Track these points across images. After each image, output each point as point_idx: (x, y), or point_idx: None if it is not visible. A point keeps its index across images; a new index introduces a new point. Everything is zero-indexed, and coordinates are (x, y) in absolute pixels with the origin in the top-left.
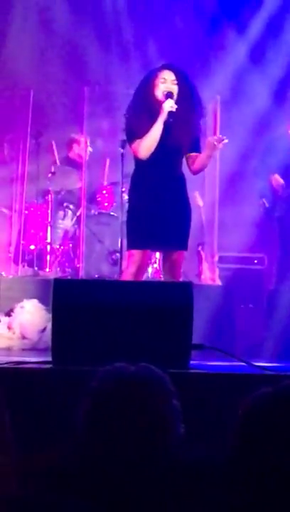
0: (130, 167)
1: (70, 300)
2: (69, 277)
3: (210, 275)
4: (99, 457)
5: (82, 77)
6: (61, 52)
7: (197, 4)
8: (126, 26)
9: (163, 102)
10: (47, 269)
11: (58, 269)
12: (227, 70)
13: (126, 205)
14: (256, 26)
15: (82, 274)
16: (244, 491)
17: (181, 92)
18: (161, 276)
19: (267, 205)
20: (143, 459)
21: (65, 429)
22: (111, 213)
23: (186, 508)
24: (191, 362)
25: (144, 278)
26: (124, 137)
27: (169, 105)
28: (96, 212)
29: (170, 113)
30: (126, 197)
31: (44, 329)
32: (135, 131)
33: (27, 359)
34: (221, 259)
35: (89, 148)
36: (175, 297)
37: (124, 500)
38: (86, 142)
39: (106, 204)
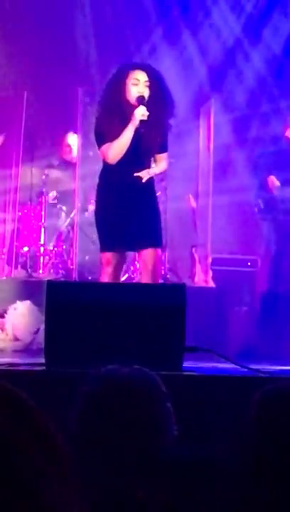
0: None
1: (63, 302)
2: (62, 279)
3: (203, 277)
4: (92, 459)
5: (76, 78)
6: (55, 53)
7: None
8: (121, 25)
9: (135, 105)
10: (41, 271)
11: (51, 270)
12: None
13: (96, 206)
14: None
15: (75, 276)
16: (266, 486)
17: (153, 94)
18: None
19: (262, 206)
20: (136, 461)
21: (58, 432)
22: None
23: (181, 509)
24: (184, 364)
25: (137, 280)
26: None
27: (141, 113)
28: (89, 214)
29: (141, 121)
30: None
31: (37, 331)
32: (104, 134)
33: (20, 361)
34: (214, 261)
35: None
36: (168, 299)
37: (119, 502)
38: (79, 144)
39: None
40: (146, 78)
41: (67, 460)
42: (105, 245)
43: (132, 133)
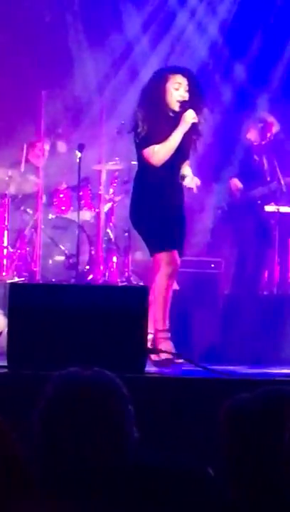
0: (86, 171)
1: (26, 304)
2: (25, 281)
3: None
4: (55, 461)
5: (40, 81)
6: (19, 56)
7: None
8: (84, 28)
9: (177, 109)
10: (4, 273)
11: (15, 273)
12: None
13: (135, 210)
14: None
15: (38, 278)
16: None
17: (192, 98)
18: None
19: (226, 208)
20: (98, 463)
21: (21, 434)
22: (68, 217)
23: (144, 509)
24: (147, 365)
25: (102, 282)
26: (82, 141)
27: (192, 117)
28: (53, 216)
29: (193, 125)
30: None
31: (0, 333)
32: (149, 137)
33: None
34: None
35: (46, 148)
36: (131, 301)
37: (82, 504)
38: (43, 146)
39: (63, 208)
40: (187, 82)
41: (27, 469)
42: (166, 244)
43: (181, 136)
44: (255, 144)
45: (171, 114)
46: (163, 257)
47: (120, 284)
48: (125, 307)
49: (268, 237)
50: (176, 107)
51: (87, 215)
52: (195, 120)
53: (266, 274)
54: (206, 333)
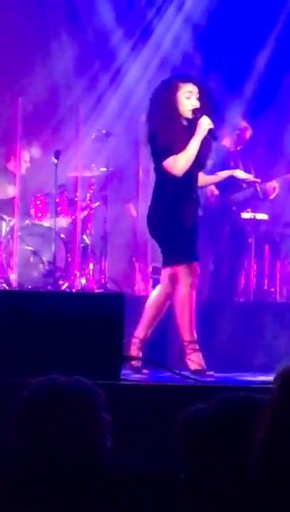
0: (62, 177)
1: (2, 311)
2: (1, 288)
3: (143, 286)
4: (30, 466)
5: (16, 87)
6: None
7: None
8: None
9: (190, 116)
10: None
11: None
12: None
13: (153, 221)
14: None
15: (15, 285)
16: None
17: (203, 106)
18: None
19: (201, 214)
20: (72, 469)
21: None
22: (45, 224)
23: None
24: (123, 373)
25: (78, 289)
26: (59, 147)
27: (208, 123)
28: (30, 223)
29: (210, 130)
30: (59, 208)
31: None
32: (168, 148)
33: None
34: (154, 270)
35: (26, 158)
36: (107, 308)
37: (56, 507)
38: (20, 152)
39: (40, 215)
40: (197, 90)
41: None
42: (187, 256)
43: (199, 143)
44: (231, 150)
45: (185, 122)
46: (183, 269)
47: (96, 291)
48: (101, 314)
49: (244, 244)
50: (189, 115)
51: (63, 221)
52: (211, 126)
53: (242, 281)
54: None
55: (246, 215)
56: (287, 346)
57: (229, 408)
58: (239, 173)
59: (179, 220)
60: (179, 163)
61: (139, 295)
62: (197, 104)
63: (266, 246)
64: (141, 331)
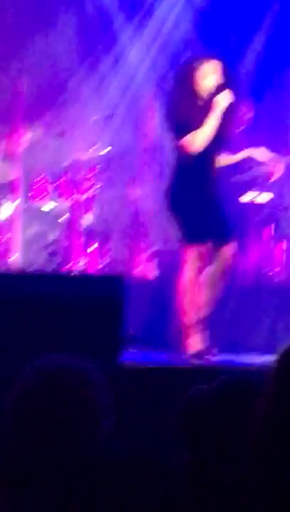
0: (65, 158)
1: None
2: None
3: (144, 269)
4: (28, 450)
5: (17, 67)
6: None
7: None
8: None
9: (211, 95)
10: None
11: None
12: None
13: (174, 200)
14: None
15: (17, 268)
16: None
17: (225, 85)
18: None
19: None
20: (70, 451)
21: None
22: (47, 206)
23: (116, 501)
24: (123, 356)
25: (79, 271)
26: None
27: (227, 98)
28: (31, 205)
29: (231, 104)
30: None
31: None
32: (186, 125)
33: None
34: (156, 253)
35: (27, 138)
36: (107, 290)
37: (54, 494)
38: (22, 133)
39: (41, 197)
40: (217, 69)
41: None
42: (198, 237)
43: (217, 120)
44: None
45: (203, 101)
46: (194, 250)
47: (97, 273)
48: (101, 296)
49: (245, 226)
50: (207, 93)
51: (65, 204)
52: (230, 101)
53: (244, 264)
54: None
55: (245, 197)
56: (286, 328)
57: (230, 389)
58: (258, 154)
59: (194, 200)
60: (197, 139)
61: (141, 277)
62: (215, 83)
63: (266, 228)
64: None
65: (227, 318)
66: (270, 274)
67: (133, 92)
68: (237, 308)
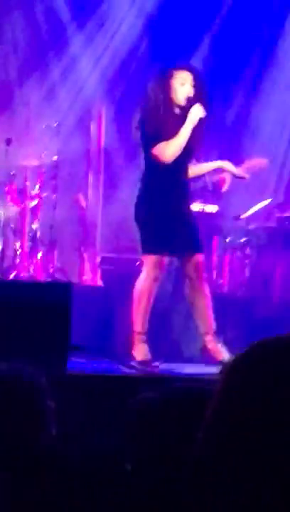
0: (12, 166)
1: None
2: None
3: (91, 276)
4: None
5: None
6: None
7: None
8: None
9: (184, 105)
10: None
11: None
12: None
13: (138, 208)
14: None
15: None
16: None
17: (198, 94)
18: (186, 282)
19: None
20: (15, 456)
21: None
22: None
23: (61, 506)
24: (69, 363)
25: (26, 278)
26: (9, 136)
27: (199, 111)
28: None
29: (201, 119)
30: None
31: None
32: (158, 134)
33: None
34: (103, 260)
35: None
36: (54, 298)
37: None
38: None
39: None
40: (192, 77)
41: None
42: (155, 247)
43: (190, 131)
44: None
45: (178, 110)
46: (151, 259)
47: (44, 281)
48: (48, 303)
49: None
50: (183, 102)
51: (13, 210)
52: (203, 115)
53: None
54: (129, 331)
55: (195, 207)
56: (234, 338)
57: (175, 398)
58: (228, 166)
59: (160, 209)
60: (168, 149)
61: (88, 285)
62: (191, 92)
63: (215, 238)
64: (206, 325)
65: (176, 327)
66: (220, 282)
67: (82, 100)
68: (182, 317)
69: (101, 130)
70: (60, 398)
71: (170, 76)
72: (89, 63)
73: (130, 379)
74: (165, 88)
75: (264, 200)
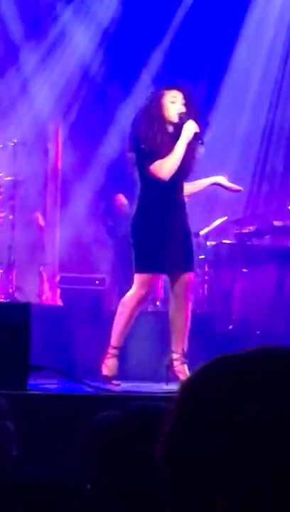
0: None
1: None
2: None
3: (51, 295)
4: None
5: None
6: None
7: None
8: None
9: (177, 122)
10: None
11: None
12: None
13: (134, 227)
14: None
15: None
16: None
17: (189, 112)
18: (171, 299)
19: (111, 224)
20: None
21: None
22: None
23: None
24: (29, 383)
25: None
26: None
27: (193, 126)
28: None
29: (195, 134)
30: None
31: None
32: (154, 152)
33: None
34: (62, 280)
35: None
36: (14, 318)
37: None
38: None
39: None
40: (182, 96)
41: None
42: (146, 266)
43: (185, 146)
44: None
45: (171, 128)
46: (141, 278)
47: (3, 301)
48: (8, 324)
49: None
50: (175, 119)
51: None
52: (197, 130)
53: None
54: (90, 350)
55: None
56: (194, 354)
57: (137, 417)
58: (223, 181)
59: (153, 230)
60: (165, 166)
61: (47, 304)
62: (183, 109)
63: None
64: (176, 345)
65: (140, 345)
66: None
67: (39, 120)
68: (149, 333)
69: (59, 150)
70: (21, 419)
71: (162, 95)
72: (46, 83)
73: (91, 398)
74: (158, 106)
75: (222, 216)
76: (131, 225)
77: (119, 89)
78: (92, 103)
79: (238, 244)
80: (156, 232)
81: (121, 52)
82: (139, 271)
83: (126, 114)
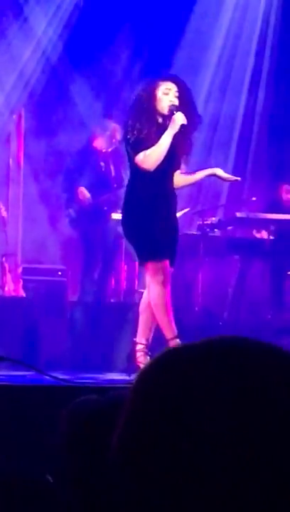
0: None
1: None
2: None
3: (13, 287)
4: None
5: None
6: None
7: None
8: None
9: (167, 113)
10: None
11: None
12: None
13: (126, 218)
14: None
15: None
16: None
17: (182, 104)
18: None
19: (73, 215)
20: None
21: None
22: None
23: None
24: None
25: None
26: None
27: (181, 118)
28: None
29: (182, 126)
30: None
31: None
32: (141, 142)
33: None
34: (25, 271)
35: None
36: None
37: None
38: None
39: None
40: (176, 89)
41: None
42: (155, 253)
43: (171, 138)
44: (103, 151)
45: (161, 119)
46: (152, 266)
47: None
48: None
49: (115, 245)
50: (166, 111)
51: None
52: (185, 122)
53: (113, 282)
54: (53, 341)
55: (116, 215)
56: (156, 346)
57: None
58: (220, 172)
59: (149, 217)
60: (150, 157)
61: (9, 296)
62: (175, 101)
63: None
64: (141, 336)
65: (101, 336)
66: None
67: (1, 113)
68: (110, 325)
69: (21, 141)
70: None
71: (156, 86)
72: (7, 71)
73: (56, 389)
74: (150, 97)
75: (183, 208)
76: (122, 214)
77: (81, 77)
78: (54, 92)
79: (201, 236)
80: (151, 221)
81: (83, 39)
82: (152, 259)
83: (88, 104)
